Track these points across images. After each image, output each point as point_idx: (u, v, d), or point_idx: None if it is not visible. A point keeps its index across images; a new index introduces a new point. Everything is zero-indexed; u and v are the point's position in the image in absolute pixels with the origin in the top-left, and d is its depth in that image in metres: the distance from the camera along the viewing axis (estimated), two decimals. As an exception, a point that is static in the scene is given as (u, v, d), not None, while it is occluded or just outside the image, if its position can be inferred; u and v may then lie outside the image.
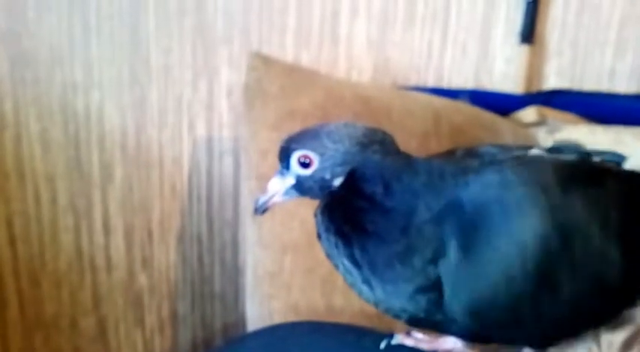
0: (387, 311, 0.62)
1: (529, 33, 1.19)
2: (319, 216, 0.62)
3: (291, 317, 0.89)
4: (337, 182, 0.60)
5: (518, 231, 0.58)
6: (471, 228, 0.58)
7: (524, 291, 0.58)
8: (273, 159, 0.97)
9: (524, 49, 1.20)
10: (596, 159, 0.67)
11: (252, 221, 0.96)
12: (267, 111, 0.99)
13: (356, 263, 0.60)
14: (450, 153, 0.65)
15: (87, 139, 1.19)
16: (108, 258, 1.25)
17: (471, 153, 0.64)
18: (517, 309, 0.59)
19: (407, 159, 0.61)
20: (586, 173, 0.63)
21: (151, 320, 1.29)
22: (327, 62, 1.18)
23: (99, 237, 1.24)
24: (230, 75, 1.18)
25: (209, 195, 1.24)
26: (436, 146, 1.00)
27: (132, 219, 1.23)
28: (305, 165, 0.61)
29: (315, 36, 1.17)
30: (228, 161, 1.23)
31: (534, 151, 0.64)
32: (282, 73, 1.05)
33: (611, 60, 1.23)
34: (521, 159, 0.62)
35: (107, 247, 1.24)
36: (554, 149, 0.66)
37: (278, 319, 0.90)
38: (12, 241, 1.21)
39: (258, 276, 0.93)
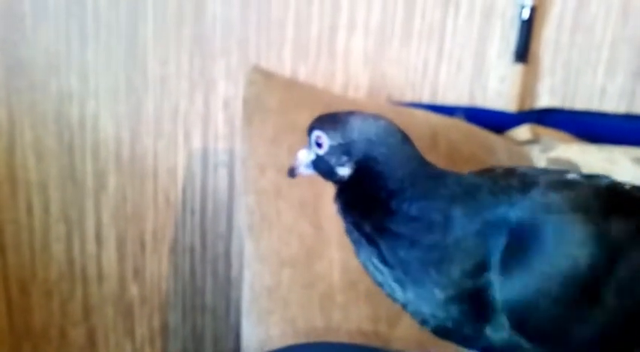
0: (415, 314, 0.63)
1: (523, 52, 1.20)
2: (335, 204, 0.64)
3: (288, 333, 0.89)
4: (343, 172, 0.62)
5: (564, 253, 0.59)
6: (517, 247, 0.59)
7: (568, 311, 0.60)
8: (272, 173, 0.99)
9: (518, 67, 1.21)
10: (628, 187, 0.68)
11: (249, 236, 0.96)
12: (266, 126, 0.99)
13: (386, 262, 0.61)
14: (488, 171, 0.66)
15: (81, 148, 1.18)
16: (99, 268, 1.24)
17: (510, 172, 0.65)
18: (561, 324, 0.60)
19: (426, 167, 0.63)
20: (624, 200, 0.64)
21: (141, 331, 1.28)
22: (324, 76, 1.18)
23: (91, 247, 1.23)
24: (227, 87, 1.18)
25: (203, 207, 1.24)
26: (433, 162, 1.01)
27: (125, 229, 1.23)
28: (319, 144, 0.63)
29: (312, 50, 1.18)
30: (222, 173, 1.22)
31: (571, 176, 0.65)
32: (281, 87, 1.05)
33: (602, 80, 1.25)
34: (563, 183, 0.63)
35: (99, 257, 1.24)
36: (588, 176, 0.67)
37: (275, 334, 0.90)
38: (2, 249, 1.20)
39: (255, 291, 0.93)
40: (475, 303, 0.60)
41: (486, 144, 1.11)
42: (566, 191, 0.62)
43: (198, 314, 1.29)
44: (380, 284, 0.63)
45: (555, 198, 0.61)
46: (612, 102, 1.26)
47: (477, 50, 1.21)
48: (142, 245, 1.24)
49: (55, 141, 1.17)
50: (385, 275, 0.62)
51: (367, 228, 0.61)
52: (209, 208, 1.24)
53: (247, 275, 0.95)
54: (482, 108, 1.23)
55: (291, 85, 1.09)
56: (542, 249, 0.59)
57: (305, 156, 0.65)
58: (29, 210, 1.19)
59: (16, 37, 1.12)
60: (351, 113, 0.64)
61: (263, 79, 1.04)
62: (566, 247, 0.60)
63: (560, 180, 0.64)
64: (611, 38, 1.22)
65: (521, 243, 0.59)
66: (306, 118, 1.01)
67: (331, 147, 0.62)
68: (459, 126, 1.12)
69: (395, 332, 0.88)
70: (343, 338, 0.87)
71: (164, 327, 1.29)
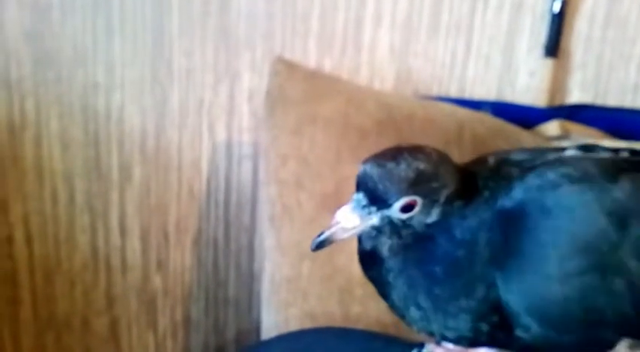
0: (442, 337, 0.61)
1: (554, 46, 1.18)
2: (389, 257, 0.58)
3: (307, 325, 0.88)
4: (430, 220, 0.57)
5: (565, 228, 0.56)
6: (512, 237, 0.56)
7: (589, 286, 0.56)
8: (293, 164, 0.98)
9: (548, 62, 1.19)
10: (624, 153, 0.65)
11: (270, 227, 0.96)
12: (288, 116, 0.99)
13: (418, 306, 0.58)
14: (481, 161, 0.64)
15: (107, 140, 1.19)
16: (123, 259, 1.25)
17: (506, 161, 0.62)
18: (583, 304, 0.57)
19: (471, 178, 0.59)
20: (624, 164, 0.62)
21: (163, 323, 1.29)
22: (350, 69, 1.17)
23: (115, 238, 1.23)
24: (251, 79, 1.17)
25: (227, 199, 1.24)
26: (458, 156, 0.98)
27: (148, 220, 1.23)
28: (407, 209, 0.56)
29: (338, 42, 1.16)
30: (247, 166, 1.22)
31: (568, 152, 0.63)
32: (304, 78, 1.04)
33: (635, 75, 1.22)
34: (560, 160, 0.61)
35: (123, 248, 1.24)
36: (585, 147, 0.64)
37: (294, 326, 0.89)
38: (28, 239, 1.21)
39: (275, 282, 0.93)
40: (501, 312, 0.57)
41: (513, 138, 1.09)
42: (562, 167, 0.59)
43: (220, 306, 1.28)
44: (400, 317, 0.60)
45: (550, 176, 0.58)
46: (646, 98, 1.23)
47: (506, 44, 1.19)
48: (166, 236, 1.24)
49: (81, 133, 1.18)
50: (412, 314, 0.58)
51: (416, 274, 0.57)
52: (233, 200, 1.24)
53: (267, 267, 0.94)
54: (510, 103, 1.21)
55: (314, 75, 1.08)
56: (537, 230, 0.56)
57: (358, 220, 0.55)
58: (55, 200, 1.20)
59: (44, 29, 1.12)
60: (414, 160, 0.55)
61: (286, 69, 1.04)
62: (565, 221, 0.56)
63: (557, 158, 0.61)
64: (645, 33, 1.19)
65: (514, 230, 0.56)
66: (329, 109, 1.01)
67: (425, 205, 0.55)
68: (486, 120, 1.10)
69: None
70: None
71: (186, 319, 1.29)
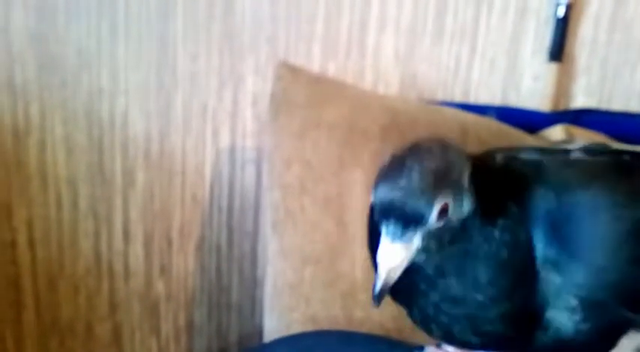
0: (460, 343, 0.61)
1: (558, 50, 1.18)
2: (426, 261, 0.55)
3: (309, 329, 0.88)
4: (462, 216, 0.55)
5: (606, 218, 0.59)
6: (561, 232, 0.57)
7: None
8: (297, 168, 0.98)
9: (553, 66, 1.18)
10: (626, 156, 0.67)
11: (273, 232, 0.96)
12: (292, 121, 0.98)
13: (454, 304, 0.57)
14: (488, 156, 0.64)
15: (110, 145, 1.19)
16: (126, 265, 1.24)
17: (515, 159, 0.62)
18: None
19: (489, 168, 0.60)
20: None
21: (166, 328, 1.28)
22: (354, 73, 1.17)
23: (118, 243, 1.23)
24: (255, 84, 1.17)
25: (230, 205, 1.23)
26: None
27: (152, 226, 1.23)
28: (443, 213, 0.52)
29: (342, 47, 1.16)
30: (250, 171, 1.22)
31: (574, 154, 0.64)
32: (308, 82, 1.04)
33: (640, 80, 1.21)
34: (570, 163, 0.62)
35: (126, 253, 1.24)
36: (588, 149, 0.65)
37: (296, 331, 0.88)
38: (31, 244, 1.21)
39: (277, 287, 0.92)
40: (526, 311, 0.57)
41: (518, 143, 1.08)
42: (576, 168, 0.61)
43: (223, 312, 1.28)
44: (417, 322, 0.60)
45: (568, 175, 0.60)
46: (651, 103, 1.22)
47: (511, 49, 1.19)
48: (169, 242, 1.24)
49: (85, 138, 1.18)
50: (439, 322, 0.58)
51: (454, 271, 0.56)
52: (236, 206, 1.23)
53: (270, 272, 0.94)
54: (515, 107, 1.20)
55: (318, 80, 1.08)
56: (585, 224, 0.57)
57: (403, 253, 0.52)
58: (58, 205, 1.20)
59: (48, 33, 1.13)
60: (428, 153, 0.54)
61: (290, 73, 1.04)
62: (605, 212, 0.58)
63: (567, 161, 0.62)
64: (651, 37, 1.19)
65: (563, 227, 0.57)
66: (333, 114, 1.01)
67: (456, 206, 0.53)
68: (490, 124, 1.09)
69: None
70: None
71: (189, 325, 1.28)
